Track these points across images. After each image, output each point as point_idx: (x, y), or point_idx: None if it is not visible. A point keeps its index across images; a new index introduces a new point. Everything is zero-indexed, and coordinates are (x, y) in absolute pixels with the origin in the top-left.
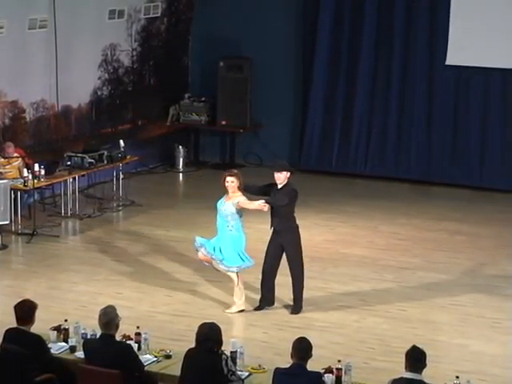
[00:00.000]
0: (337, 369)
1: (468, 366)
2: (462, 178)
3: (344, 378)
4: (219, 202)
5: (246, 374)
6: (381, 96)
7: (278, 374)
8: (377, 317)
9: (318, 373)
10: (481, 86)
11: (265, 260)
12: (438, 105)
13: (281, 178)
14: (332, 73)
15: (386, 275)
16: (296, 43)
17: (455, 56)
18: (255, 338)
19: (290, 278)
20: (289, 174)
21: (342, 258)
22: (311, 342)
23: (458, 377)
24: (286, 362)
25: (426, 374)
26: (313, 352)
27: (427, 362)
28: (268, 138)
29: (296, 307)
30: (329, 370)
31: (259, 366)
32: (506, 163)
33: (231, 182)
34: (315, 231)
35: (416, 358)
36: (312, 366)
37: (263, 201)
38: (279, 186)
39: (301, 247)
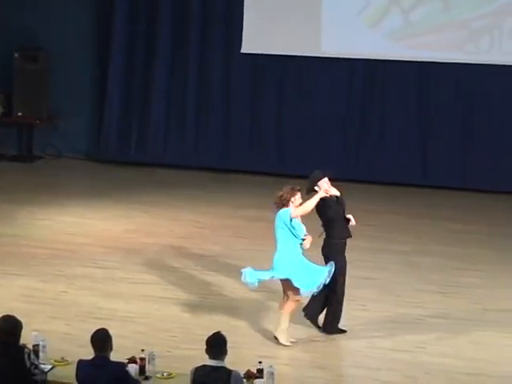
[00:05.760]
0: (140, 358)
1: (269, 351)
2: (259, 164)
3: (148, 367)
4: (291, 219)
5: (49, 366)
6: (178, 85)
7: (82, 365)
8: (179, 305)
9: (122, 363)
10: (277, 74)
11: None
12: (235, 93)
13: None
14: (129, 62)
15: (187, 263)
16: (92, 32)
17: (250, 44)
18: (58, 331)
19: None
20: None
21: (143, 248)
22: (113, 332)
23: (260, 362)
24: (89, 353)
25: (228, 361)
26: (116, 342)
27: (229, 348)
28: (67, 129)
29: None
30: (132, 360)
31: (62, 358)
32: (300, 149)
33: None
34: (115, 222)
35: (217, 345)
36: (115, 356)
37: None
38: None
39: None
